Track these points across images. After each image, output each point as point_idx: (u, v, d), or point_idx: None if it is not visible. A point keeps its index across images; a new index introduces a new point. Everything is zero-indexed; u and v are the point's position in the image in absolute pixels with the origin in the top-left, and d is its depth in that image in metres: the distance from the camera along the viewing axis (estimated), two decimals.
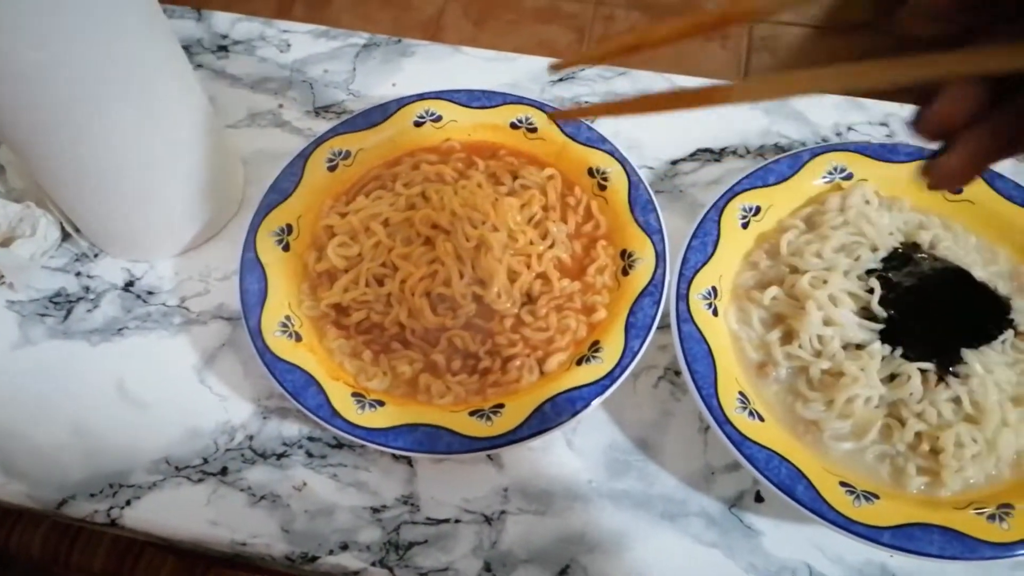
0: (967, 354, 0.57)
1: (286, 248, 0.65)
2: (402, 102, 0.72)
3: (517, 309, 0.63)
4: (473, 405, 0.58)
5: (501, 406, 0.58)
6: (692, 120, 0.79)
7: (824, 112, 0.79)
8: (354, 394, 0.58)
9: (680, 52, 2.08)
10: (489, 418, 0.57)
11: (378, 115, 0.71)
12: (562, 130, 0.70)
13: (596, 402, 0.57)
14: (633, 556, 0.58)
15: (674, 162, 0.77)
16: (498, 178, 0.69)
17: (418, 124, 0.72)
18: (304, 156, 0.69)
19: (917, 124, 0.29)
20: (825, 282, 0.60)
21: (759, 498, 0.60)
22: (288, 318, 0.61)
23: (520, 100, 0.72)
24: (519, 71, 0.84)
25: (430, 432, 0.56)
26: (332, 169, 0.69)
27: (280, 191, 0.67)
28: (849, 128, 0.78)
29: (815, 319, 0.59)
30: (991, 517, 0.52)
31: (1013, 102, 0.27)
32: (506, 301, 0.62)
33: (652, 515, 0.60)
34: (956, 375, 0.57)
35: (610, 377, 0.58)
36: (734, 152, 0.78)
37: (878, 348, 0.57)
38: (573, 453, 0.62)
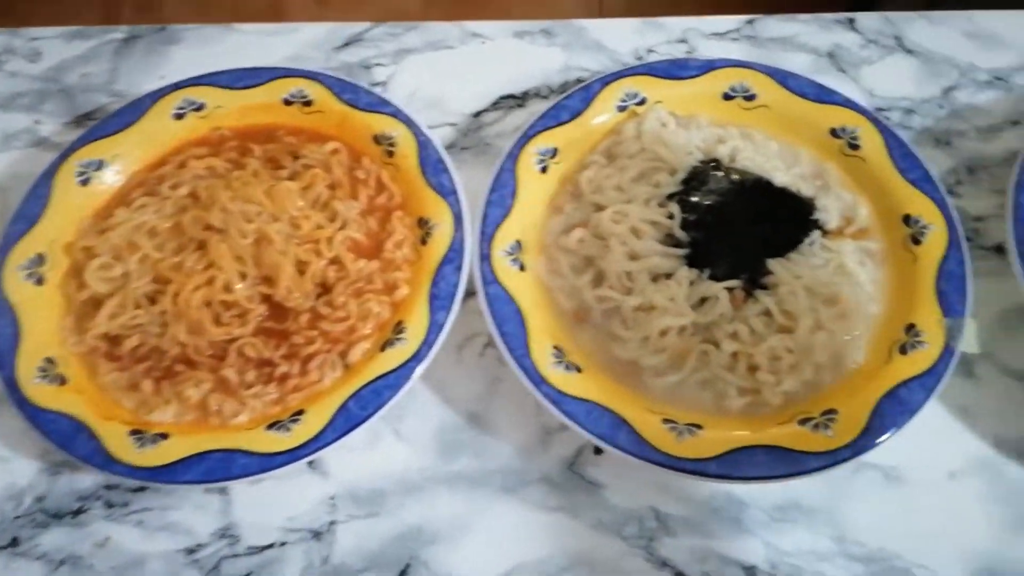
0: (772, 264, 0.55)
1: (39, 282, 0.57)
2: (156, 95, 0.64)
3: (312, 302, 0.57)
4: (272, 417, 0.53)
5: (301, 413, 0.53)
6: (490, 68, 0.75)
7: (622, 37, 0.76)
8: (133, 432, 0.52)
9: None
10: (288, 429, 0.52)
11: (130, 114, 0.63)
12: (339, 97, 0.64)
13: (405, 388, 0.53)
14: (476, 539, 0.55)
15: (476, 114, 0.73)
16: (278, 162, 0.63)
17: (179, 117, 0.64)
18: (49, 174, 0.61)
19: None
20: (626, 215, 0.57)
21: (598, 450, 0.57)
22: (49, 360, 0.54)
23: (289, 73, 0.66)
24: (300, 42, 0.77)
25: (222, 458, 0.51)
26: (85, 183, 0.61)
27: (26, 218, 0.59)
28: (649, 51, 0.75)
29: (619, 255, 0.56)
30: (816, 426, 0.51)
31: None
32: (298, 296, 0.57)
33: (491, 491, 0.56)
34: (765, 287, 0.55)
35: (416, 358, 0.54)
36: (537, 94, 0.74)
37: (685, 274, 0.55)
38: (402, 443, 0.58)
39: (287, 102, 0.65)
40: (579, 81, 0.74)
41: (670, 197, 0.58)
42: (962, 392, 0.59)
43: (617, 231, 0.56)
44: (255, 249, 0.57)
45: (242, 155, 0.64)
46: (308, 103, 0.65)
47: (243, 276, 0.57)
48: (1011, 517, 0.55)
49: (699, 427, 0.52)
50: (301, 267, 0.58)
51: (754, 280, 0.55)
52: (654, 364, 0.54)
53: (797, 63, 0.73)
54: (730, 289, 0.54)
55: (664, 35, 0.76)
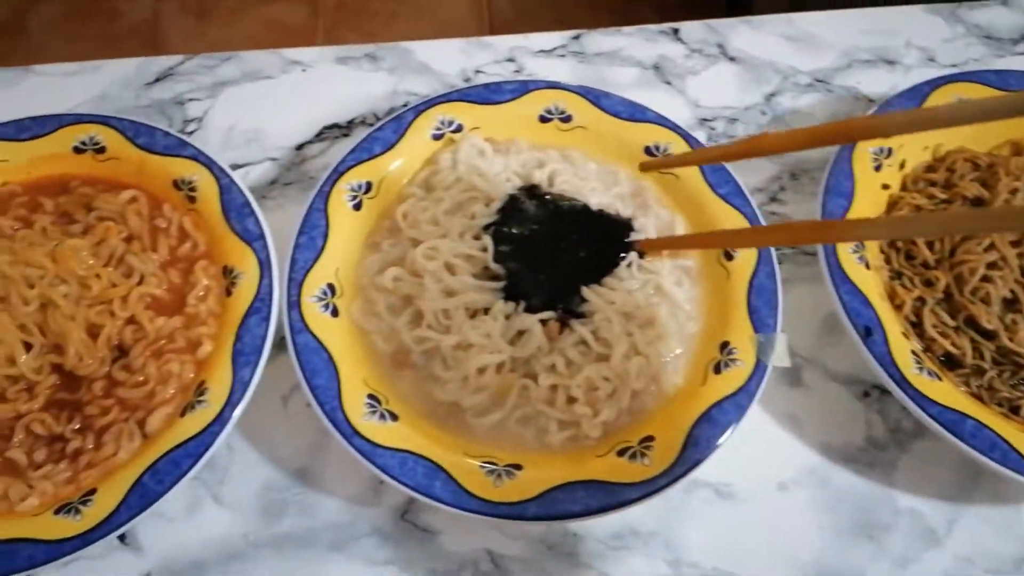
0: (587, 292, 0.54)
1: None
2: None
3: (108, 367, 0.53)
4: (63, 499, 0.49)
5: (93, 492, 0.49)
6: (313, 97, 0.72)
7: (449, 58, 0.74)
8: None
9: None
10: (78, 511, 0.48)
11: None
12: (134, 142, 0.60)
13: (206, 456, 0.49)
14: None
15: (299, 147, 0.69)
16: (71, 216, 0.58)
17: None
18: None
19: None
20: (439, 250, 0.55)
21: None
22: None
23: (79, 119, 0.61)
24: (106, 80, 0.72)
25: (4, 550, 0.47)
26: None
27: None
28: (477, 71, 0.74)
29: (435, 293, 0.54)
30: (633, 455, 0.51)
31: None
32: (91, 362, 0.53)
33: (319, 550, 0.54)
34: (582, 315, 0.54)
35: (219, 421, 0.50)
36: (363, 122, 0.71)
37: (500, 308, 0.54)
38: (222, 508, 0.55)
39: (78, 150, 0.60)
40: (408, 106, 0.71)
41: (486, 228, 0.56)
42: (790, 401, 0.60)
43: (431, 268, 0.54)
44: (40, 316, 0.53)
45: (32, 211, 0.59)
46: (101, 150, 0.60)
47: (28, 346, 0.52)
48: (839, 524, 0.56)
49: (519, 467, 0.50)
50: (94, 330, 0.53)
51: (570, 309, 0.54)
52: (474, 404, 0.52)
53: (624, 77, 0.73)
54: (544, 321, 0.53)
55: (491, 55, 0.75)
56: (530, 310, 0.54)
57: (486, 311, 0.54)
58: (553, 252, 0.55)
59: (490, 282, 0.55)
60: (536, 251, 0.55)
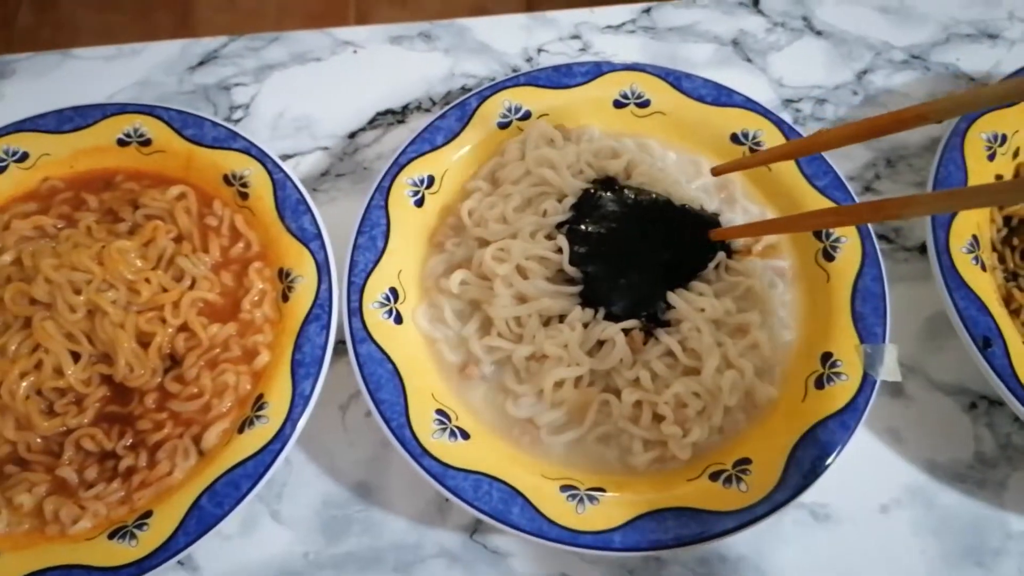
0: (672, 297, 0.49)
1: None
2: None
3: (160, 378, 0.50)
4: (116, 522, 0.46)
5: (149, 515, 0.46)
6: (365, 80, 0.67)
7: (509, 36, 0.69)
8: None
9: None
10: (133, 536, 0.45)
11: None
12: (181, 133, 0.56)
13: (266, 477, 0.46)
14: None
15: (352, 135, 0.65)
16: (116, 214, 0.55)
17: None
18: None
19: None
20: (510, 252, 0.50)
21: None
22: None
23: (123, 108, 0.57)
24: (148, 64, 0.68)
25: None
26: None
27: None
28: (540, 50, 0.68)
29: (506, 299, 0.50)
30: (727, 480, 0.46)
31: None
32: (142, 373, 0.49)
33: (384, 572, 0.50)
34: (668, 323, 0.49)
35: (279, 439, 0.47)
36: (419, 107, 0.66)
37: (578, 315, 0.49)
38: (281, 526, 0.52)
39: (122, 143, 0.57)
40: (465, 90, 0.67)
41: (560, 227, 0.52)
42: (891, 414, 0.55)
43: (501, 271, 0.50)
44: (88, 323, 0.50)
45: (75, 208, 0.56)
46: (147, 142, 0.57)
47: (76, 356, 0.49)
48: (946, 549, 0.51)
49: (602, 491, 0.46)
50: (144, 339, 0.50)
51: (654, 317, 0.49)
52: (551, 420, 0.48)
53: (700, 54, 0.67)
54: (627, 330, 0.48)
55: (555, 31, 0.69)
56: (610, 318, 0.49)
57: (561, 319, 0.50)
58: (634, 253, 0.51)
59: (566, 287, 0.50)
60: (616, 252, 0.51)
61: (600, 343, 0.49)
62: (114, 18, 1.92)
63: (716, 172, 0.52)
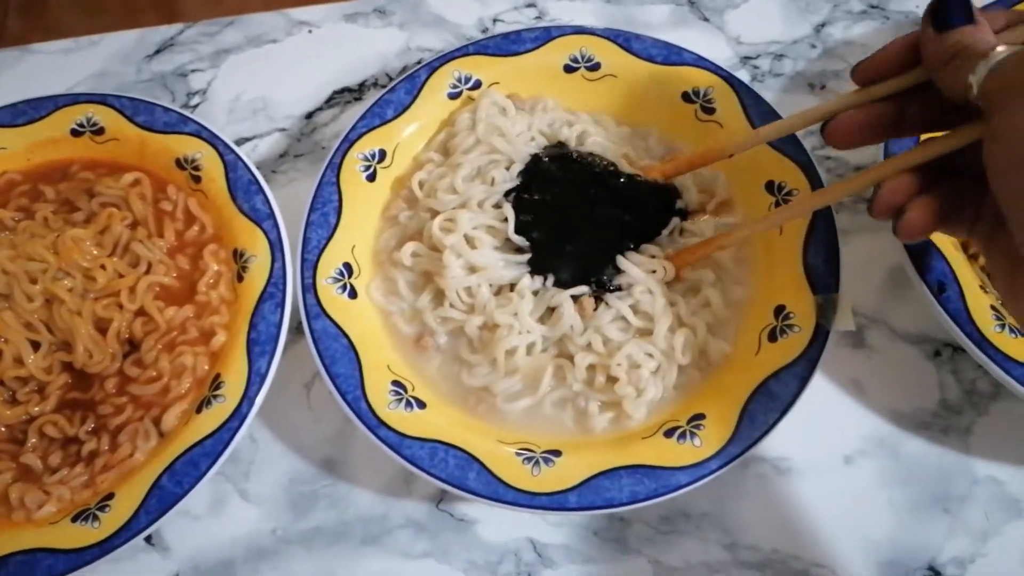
0: (622, 261, 0.49)
1: None
2: None
3: (119, 363, 0.51)
4: (80, 505, 0.47)
5: (111, 496, 0.46)
6: (321, 59, 0.67)
7: (463, 8, 0.68)
8: None
9: None
10: (96, 518, 0.46)
11: None
12: (133, 120, 0.56)
13: (225, 455, 0.47)
14: None
15: (309, 115, 0.65)
16: (73, 203, 0.55)
17: None
18: None
19: (872, 209, 0.40)
20: (457, 222, 0.50)
21: None
22: None
23: (75, 100, 0.57)
24: (105, 55, 0.68)
25: (23, 560, 0.45)
26: None
27: None
28: (495, 20, 0.68)
29: (456, 270, 0.50)
30: (681, 436, 0.46)
31: (938, 186, 0.39)
32: (101, 359, 0.50)
33: (352, 544, 0.51)
34: (619, 288, 0.49)
35: (236, 417, 0.47)
36: (375, 83, 0.66)
37: (527, 284, 0.49)
38: (249, 503, 0.52)
39: (76, 133, 0.57)
40: (422, 63, 0.66)
41: (507, 195, 0.52)
42: (853, 364, 0.54)
43: (449, 242, 0.50)
44: (46, 312, 0.50)
45: (33, 200, 0.56)
46: (100, 131, 0.57)
47: (36, 345, 0.50)
48: (912, 498, 0.51)
49: (558, 454, 0.46)
50: (102, 325, 0.51)
51: (604, 283, 0.49)
52: (506, 388, 0.49)
53: (656, 16, 0.67)
54: (576, 297, 0.48)
55: (509, 1, 0.68)
56: (560, 285, 0.49)
57: (513, 287, 0.50)
58: (581, 219, 0.50)
59: (515, 255, 0.50)
60: (561, 219, 0.50)
61: (551, 310, 0.49)
62: (102, 21, 1.92)
63: (666, 176, 0.52)
